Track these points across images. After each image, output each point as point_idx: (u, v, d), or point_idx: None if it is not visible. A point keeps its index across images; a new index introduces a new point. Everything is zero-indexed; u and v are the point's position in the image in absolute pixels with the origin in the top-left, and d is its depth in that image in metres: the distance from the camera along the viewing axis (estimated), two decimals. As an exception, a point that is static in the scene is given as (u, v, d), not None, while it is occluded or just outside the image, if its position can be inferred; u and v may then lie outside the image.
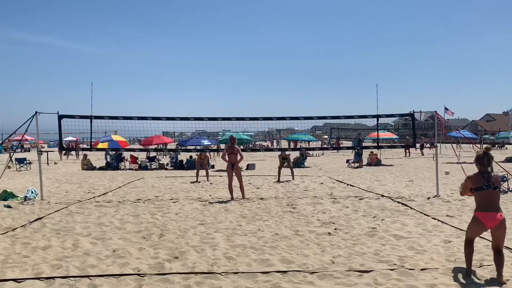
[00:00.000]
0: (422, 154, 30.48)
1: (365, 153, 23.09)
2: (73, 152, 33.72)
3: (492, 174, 4.70)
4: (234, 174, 10.59)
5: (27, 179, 16.41)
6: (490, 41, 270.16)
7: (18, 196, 10.88)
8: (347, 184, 13.42)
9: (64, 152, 31.66)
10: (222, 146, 29.37)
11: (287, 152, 16.06)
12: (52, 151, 31.73)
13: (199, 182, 14.64)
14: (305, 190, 12.13)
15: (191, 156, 22.56)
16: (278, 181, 14.59)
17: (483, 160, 4.71)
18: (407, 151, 30.41)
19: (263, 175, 17.16)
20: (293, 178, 15.01)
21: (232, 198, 10.40)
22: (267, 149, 28.29)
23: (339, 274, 4.78)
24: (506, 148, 40.47)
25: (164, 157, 29.55)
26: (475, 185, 4.64)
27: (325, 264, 5.15)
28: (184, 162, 21.83)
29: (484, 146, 5.46)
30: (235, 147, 10.76)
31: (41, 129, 11.19)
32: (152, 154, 27.15)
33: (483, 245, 5.81)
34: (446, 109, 35.31)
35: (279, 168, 15.24)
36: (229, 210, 9.03)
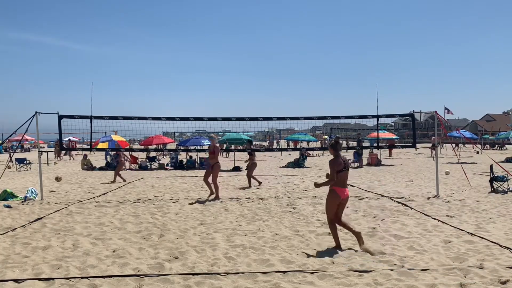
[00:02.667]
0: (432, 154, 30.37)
1: (365, 153, 23.09)
2: (66, 153, 32.57)
3: (345, 158, 5.83)
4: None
5: (27, 179, 16.42)
6: (490, 41, 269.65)
7: (18, 196, 10.89)
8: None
9: (64, 152, 31.63)
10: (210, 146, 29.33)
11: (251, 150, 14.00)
12: (52, 151, 31.71)
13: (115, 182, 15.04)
14: (305, 190, 12.13)
15: (191, 156, 22.60)
16: (259, 184, 13.25)
17: (337, 147, 5.77)
18: (390, 151, 30.33)
19: (263, 175, 17.16)
20: (249, 186, 13.00)
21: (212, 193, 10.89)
22: (267, 149, 28.31)
23: (339, 274, 4.78)
24: (506, 148, 40.46)
25: (164, 157, 29.55)
26: (339, 168, 5.65)
27: (325, 264, 5.16)
28: (184, 162, 21.84)
29: (334, 137, 6.60)
30: (216, 145, 11.18)
31: (41, 129, 11.20)
32: (152, 154, 27.17)
33: (483, 245, 5.82)
34: (446, 109, 35.32)
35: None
36: (229, 210, 9.04)
